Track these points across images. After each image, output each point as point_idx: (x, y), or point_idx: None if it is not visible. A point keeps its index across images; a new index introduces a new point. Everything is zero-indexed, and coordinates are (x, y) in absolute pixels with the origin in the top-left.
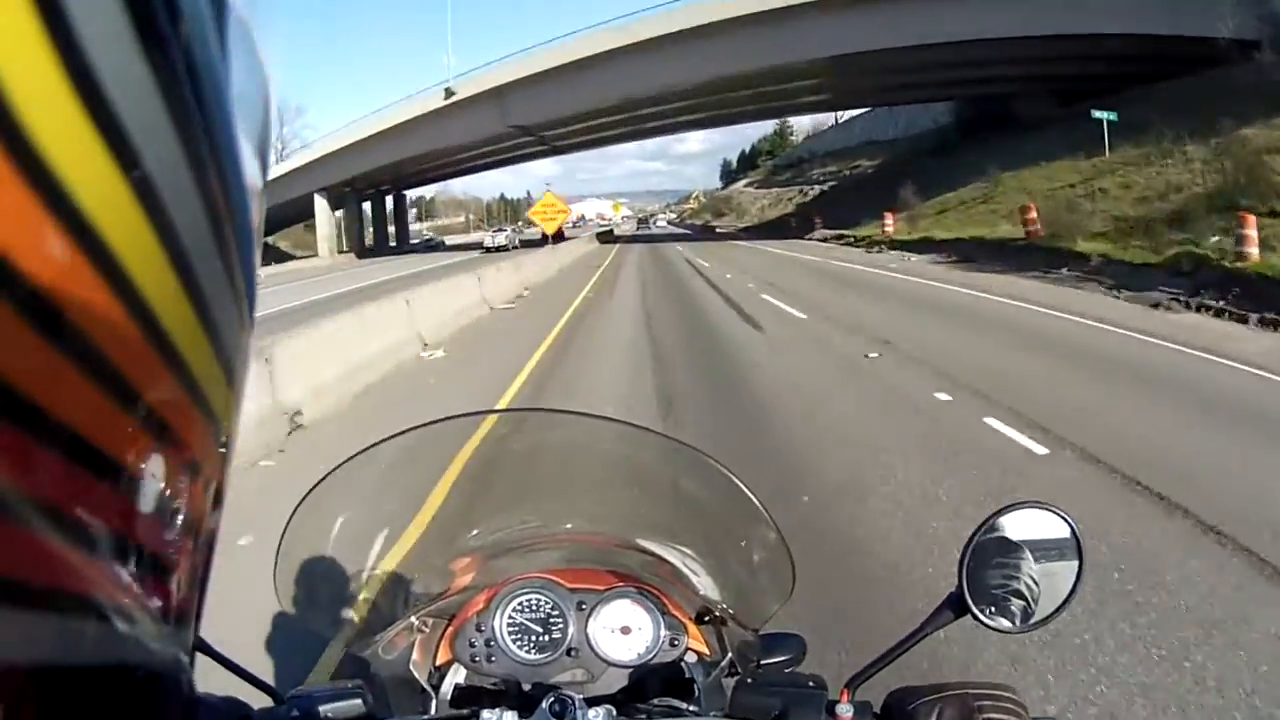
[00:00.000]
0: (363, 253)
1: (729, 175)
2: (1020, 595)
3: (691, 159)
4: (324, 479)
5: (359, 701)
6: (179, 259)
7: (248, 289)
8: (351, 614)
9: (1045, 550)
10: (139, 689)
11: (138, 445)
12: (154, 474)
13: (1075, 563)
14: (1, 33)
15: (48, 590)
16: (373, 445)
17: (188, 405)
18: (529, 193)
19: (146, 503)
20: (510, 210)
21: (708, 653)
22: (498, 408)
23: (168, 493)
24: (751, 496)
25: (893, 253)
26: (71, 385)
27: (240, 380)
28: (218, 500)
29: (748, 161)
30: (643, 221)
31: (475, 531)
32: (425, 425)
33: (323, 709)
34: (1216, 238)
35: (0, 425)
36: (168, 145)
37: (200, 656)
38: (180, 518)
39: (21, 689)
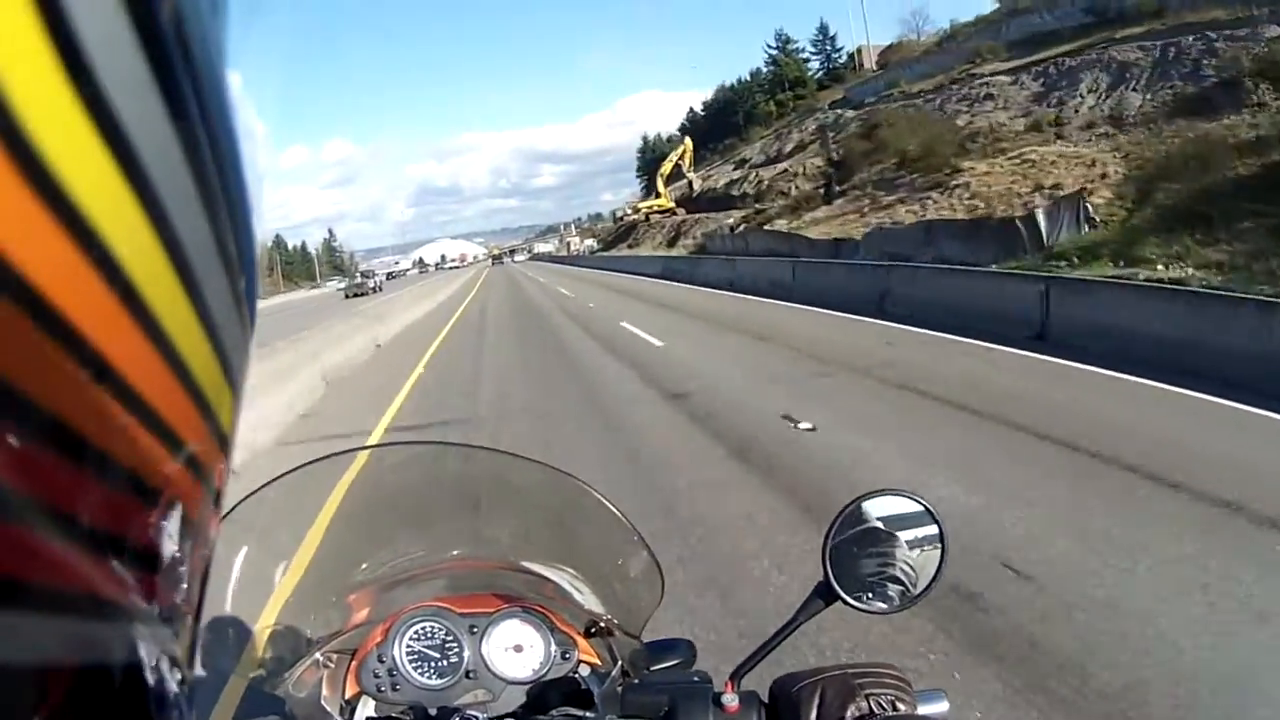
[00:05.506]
0: None
1: (648, 166)
2: (895, 579)
3: (545, 193)
4: (226, 514)
5: None
6: (178, 257)
7: (248, 288)
8: (255, 651)
9: (909, 531)
10: (138, 689)
11: (137, 444)
12: (153, 473)
13: (937, 540)
14: (1, 33)
15: (47, 590)
16: (264, 485)
17: (187, 404)
18: (332, 231)
19: (146, 502)
20: (316, 262)
21: (599, 663)
22: (381, 442)
23: (167, 491)
24: (623, 518)
25: None
26: (70, 384)
27: (240, 380)
28: (217, 500)
29: (719, 117)
30: (496, 259)
31: (364, 565)
32: (312, 463)
33: None
34: None
35: (0, 425)
36: (167, 144)
37: None
38: (180, 516)
39: (19, 690)
